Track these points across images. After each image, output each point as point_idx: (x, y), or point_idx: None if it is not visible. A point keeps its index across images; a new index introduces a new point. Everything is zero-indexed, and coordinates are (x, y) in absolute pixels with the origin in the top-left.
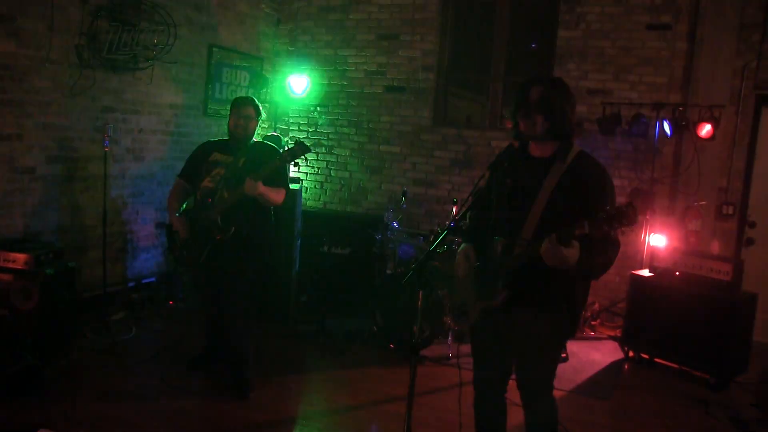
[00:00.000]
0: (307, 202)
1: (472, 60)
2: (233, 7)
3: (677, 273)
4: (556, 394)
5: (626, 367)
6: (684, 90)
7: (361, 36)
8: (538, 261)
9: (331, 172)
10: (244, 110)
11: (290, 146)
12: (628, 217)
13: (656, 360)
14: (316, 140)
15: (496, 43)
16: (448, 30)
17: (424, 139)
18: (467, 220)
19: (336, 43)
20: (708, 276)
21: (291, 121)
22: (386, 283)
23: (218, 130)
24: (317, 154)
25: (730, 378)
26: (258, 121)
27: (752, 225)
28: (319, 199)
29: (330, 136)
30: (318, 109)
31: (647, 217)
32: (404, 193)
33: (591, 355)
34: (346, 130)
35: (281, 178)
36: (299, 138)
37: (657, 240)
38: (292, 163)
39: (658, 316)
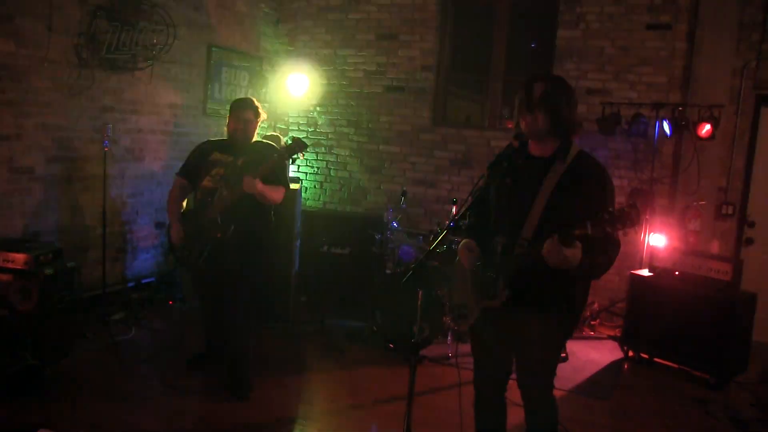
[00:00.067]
0: (307, 202)
1: (472, 60)
2: (232, 7)
3: (677, 273)
4: (556, 393)
5: (626, 366)
6: (683, 90)
7: (361, 36)
8: (539, 261)
9: (331, 171)
10: (243, 114)
11: (288, 143)
12: (631, 219)
13: (656, 360)
14: (316, 140)
15: (496, 43)
16: (448, 30)
17: (423, 139)
18: (467, 220)
19: (335, 42)
20: (707, 276)
21: (290, 120)
22: (386, 283)
23: (218, 129)
24: (317, 154)
25: (729, 378)
26: (257, 122)
27: (752, 225)
28: (319, 198)
29: (329, 136)
30: (317, 108)
31: (647, 216)
32: (404, 193)
33: (591, 354)
34: (345, 129)
35: (280, 176)
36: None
37: (657, 240)
38: (291, 161)
39: (658, 315)
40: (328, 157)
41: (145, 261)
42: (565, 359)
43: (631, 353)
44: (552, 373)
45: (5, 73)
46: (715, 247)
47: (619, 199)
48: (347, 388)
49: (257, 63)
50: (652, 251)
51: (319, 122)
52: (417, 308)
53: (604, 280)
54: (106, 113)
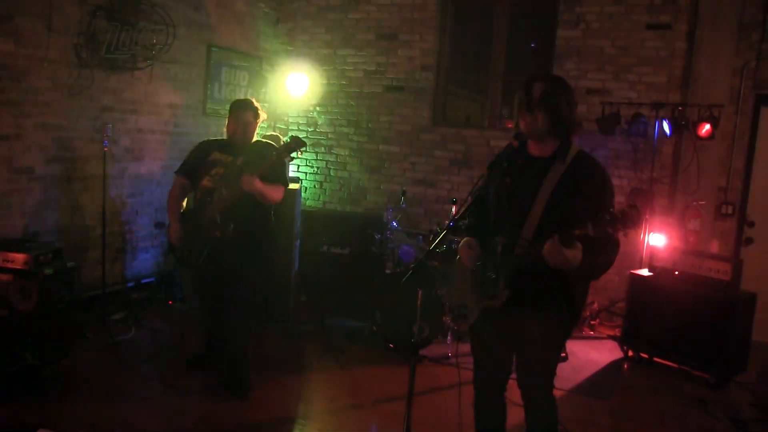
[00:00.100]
0: (307, 202)
1: (472, 59)
2: (232, 7)
3: (676, 272)
4: (556, 393)
5: (626, 366)
6: (683, 89)
7: (361, 35)
8: (539, 261)
9: (331, 171)
10: (242, 115)
11: (286, 141)
12: (632, 219)
13: (656, 359)
14: (316, 140)
15: (496, 43)
16: (448, 29)
17: (423, 139)
18: (467, 220)
19: (335, 42)
20: (707, 275)
21: (290, 120)
22: (386, 283)
23: (217, 129)
24: (316, 153)
25: (729, 377)
26: (257, 123)
27: (751, 224)
28: (319, 198)
29: (329, 136)
30: (317, 108)
31: (647, 216)
32: (403, 193)
33: (590, 354)
34: (345, 129)
35: (279, 175)
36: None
37: (656, 239)
38: (290, 159)
39: (658, 315)
40: (328, 157)
41: (144, 261)
42: (565, 359)
43: (630, 353)
44: (552, 373)
45: (5, 73)
46: (714, 247)
47: (619, 199)
48: (347, 387)
49: (257, 63)
50: (652, 251)
51: (319, 122)
52: (417, 308)
53: (604, 280)
54: (105, 113)
